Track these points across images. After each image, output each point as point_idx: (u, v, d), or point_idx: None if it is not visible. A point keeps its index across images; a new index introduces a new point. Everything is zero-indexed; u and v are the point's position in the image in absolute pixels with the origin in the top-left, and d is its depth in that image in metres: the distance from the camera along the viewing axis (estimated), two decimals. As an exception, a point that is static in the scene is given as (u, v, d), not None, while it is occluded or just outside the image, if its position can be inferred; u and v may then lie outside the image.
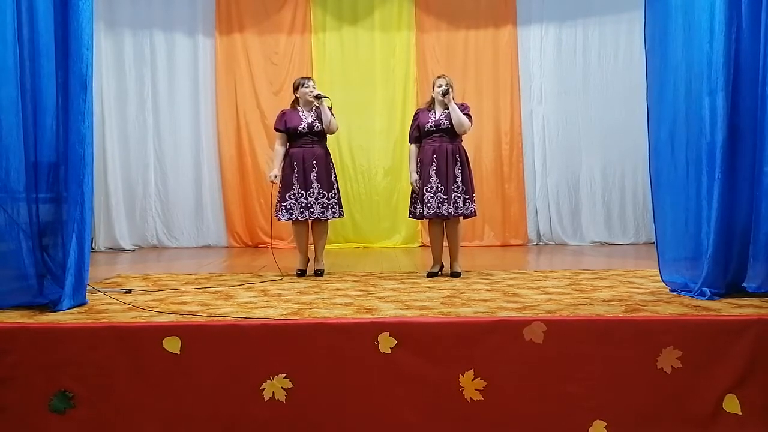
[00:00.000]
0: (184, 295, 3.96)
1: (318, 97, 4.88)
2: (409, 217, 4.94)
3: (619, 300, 3.52)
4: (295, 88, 5.11)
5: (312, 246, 5.11)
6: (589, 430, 2.82)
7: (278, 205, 4.92)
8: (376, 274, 4.94)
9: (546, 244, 7.92)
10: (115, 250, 7.82)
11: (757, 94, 3.36)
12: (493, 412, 2.82)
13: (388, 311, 3.29)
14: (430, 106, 4.89)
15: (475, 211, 4.83)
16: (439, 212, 4.69)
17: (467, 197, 4.75)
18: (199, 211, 8.15)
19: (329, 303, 3.59)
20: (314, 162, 4.86)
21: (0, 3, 3.36)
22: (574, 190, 7.96)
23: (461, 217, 4.81)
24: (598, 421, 2.82)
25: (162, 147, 8.13)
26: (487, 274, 4.85)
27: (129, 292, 4.06)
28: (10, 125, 3.37)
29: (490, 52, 8.01)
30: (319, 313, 3.27)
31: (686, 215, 3.68)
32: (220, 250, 7.81)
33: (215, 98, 8.10)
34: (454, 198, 4.69)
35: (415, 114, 4.96)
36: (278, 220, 5.00)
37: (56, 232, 3.56)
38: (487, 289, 4.04)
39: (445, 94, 4.72)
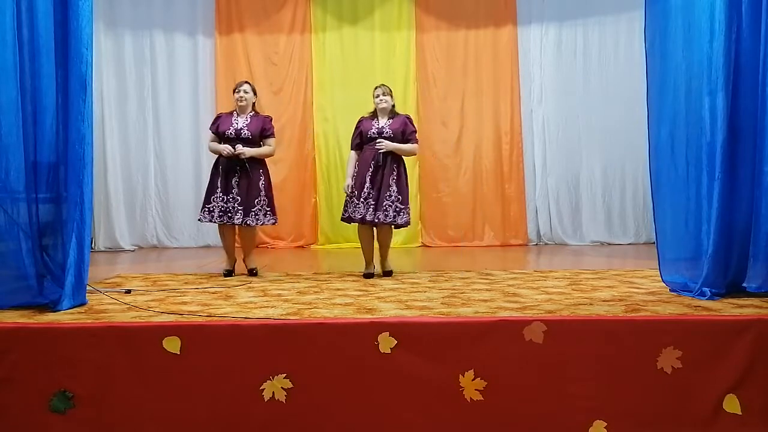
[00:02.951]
0: (183, 295, 3.96)
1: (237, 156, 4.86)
2: (341, 219, 4.95)
3: (620, 300, 3.52)
4: (233, 92, 5.15)
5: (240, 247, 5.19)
6: (589, 430, 2.81)
7: (202, 206, 5.00)
8: (376, 274, 4.94)
9: (546, 244, 7.92)
10: (115, 250, 7.82)
11: (757, 94, 3.36)
12: (493, 412, 2.82)
13: (388, 311, 3.29)
14: (373, 115, 4.95)
15: (408, 220, 4.84)
16: (367, 218, 4.71)
17: (402, 207, 4.75)
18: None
19: (329, 303, 3.59)
20: (238, 167, 4.88)
21: (0, 3, 3.36)
22: (574, 190, 7.96)
23: (392, 226, 4.84)
24: (598, 421, 2.81)
25: (162, 147, 8.14)
26: (487, 274, 4.85)
27: (129, 292, 4.06)
28: (9, 125, 3.37)
29: (490, 52, 8.02)
30: (319, 313, 3.27)
31: (686, 215, 3.68)
32: (220, 250, 7.75)
33: (215, 98, 8.09)
34: (385, 206, 4.70)
35: (358, 122, 4.98)
36: (199, 221, 5.12)
37: (56, 232, 3.56)
38: (487, 289, 4.04)
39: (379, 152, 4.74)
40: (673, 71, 3.70)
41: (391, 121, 4.87)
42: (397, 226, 4.84)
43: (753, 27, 3.37)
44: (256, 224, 4.99)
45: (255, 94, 5.13)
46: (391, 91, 4.98)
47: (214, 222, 4.99)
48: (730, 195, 3.42)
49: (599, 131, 7.84)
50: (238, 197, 4.87)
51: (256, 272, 4.98)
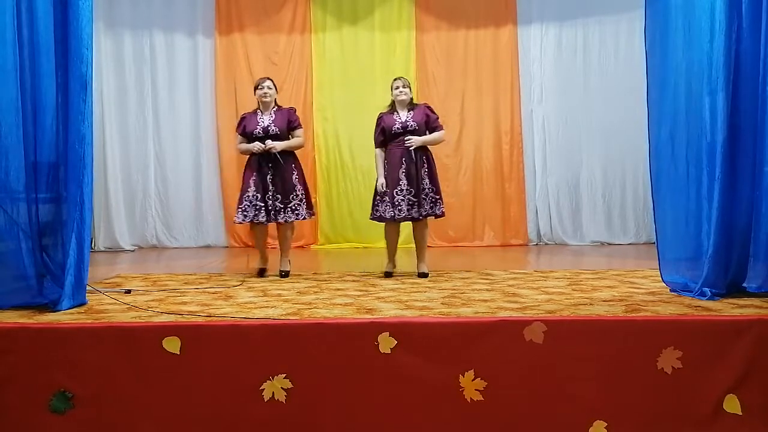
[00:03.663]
0: (183, 295, 3.96)
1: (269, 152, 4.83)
2: (371, 218, 4.92)
3: (620, 300, 3.52)
4: (254, 90, 5.12)
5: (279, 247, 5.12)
6: (590, 430, 2.81)
7: (237, 207, 4.93)
8: (376, 274, 4.94)
9: (546, 244, 7.91)
10: (115, 250, 7.82)
11: (757, 93, 3.36)
12: (493, 412, 2.82)
13: (388, 311, 3.29)
14: (392, 108, 4.90)
15: (443, 211, 4.84)
16: (410, 215, 4.70)
17: (437, 197, 4.77)
18: (199, 211, 8.15)
19: (329, 303, 3.59)
20: (270, 164, 4.85)
21: (0, 3, 3.35)
22: (574, 189, 7.96)
23: (432, 217, 4.84)
24: (598, 421, 2.81)
25: (162, 147, 8.14)
26: (487, 274, 4.85)
27: (129, 292, 4.06)
28: (9, 125, 3.37)
29: (490, 52, 8.01)
30: (319, 313, 3.27)
31: (686, 215, 3.68)
32: (220, 250, 7.81)
33: (215, 98, 8.10)
34: (421, 200, 4.70)
35: (379, 118, 4.93)
36: (234, 223, 5.06)
37: (56, 232, 3.56)
38: (487, 289, 4.04)
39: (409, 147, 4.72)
40: (673, 71, 3.70)
41: (412, 113, 4.81)
42: (437, 216, 4.83)
43: (753, 27, 3.37)
44: (295, 219, 4.92)
45: (276, 89, 5.09)
46: (409, 83, 4.94)
47: (250, 222, 4.90)
48: (731, 195, 3.42)
49: (599, 131, 7.84)
50: (275, 195, 4.83)
51: (288, 274, 4.90)
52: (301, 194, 4.92)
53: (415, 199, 4.69)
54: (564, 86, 7.95)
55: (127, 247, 7.93)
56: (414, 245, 5.00)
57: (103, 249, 7.84)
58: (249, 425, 2.84)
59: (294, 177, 4.91)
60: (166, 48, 8.11)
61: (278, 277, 4.82)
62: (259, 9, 8.11)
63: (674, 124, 3.71)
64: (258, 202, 4.83)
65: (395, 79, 4.96)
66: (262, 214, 4.83)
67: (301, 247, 7.93)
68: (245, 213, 4.85)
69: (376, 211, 4.81)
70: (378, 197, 4.81)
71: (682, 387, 2.81)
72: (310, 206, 5.00)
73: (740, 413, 2.79)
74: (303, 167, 5.14)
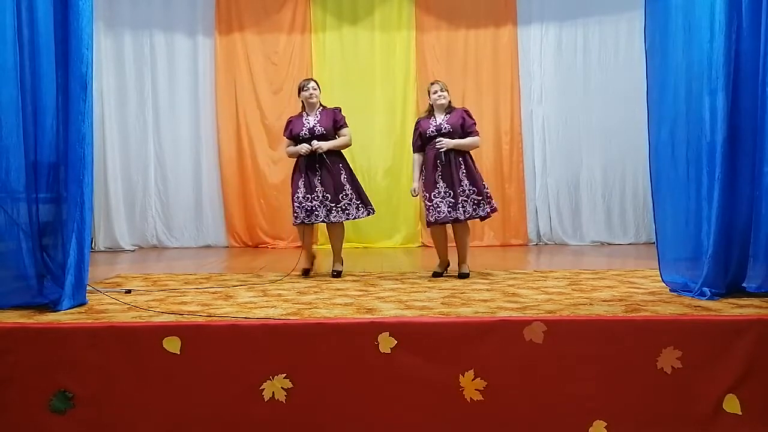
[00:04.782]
0: (184, 295, 3.96)
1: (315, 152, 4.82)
2: (428, 226, 4.91)
3: (619, 300, 3.52)
4: (298, 92, 5.10)
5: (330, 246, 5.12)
6: (589, 430, 2.81)
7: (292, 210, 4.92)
8: (376, 274, 4.94)
9: (546, 244, 7.92)
10: (115, 250, 7.82)
11: (757, 94, 3.36)
12: (493, 412, 2.82)
13: (388, 311, 3.29)
14: (430, 113, 4.89)
15: (489, 210, 4.74)
16: (450, 216, 4.66)
17: (479, 198, 4.70)
18: (199, 211, 8.16)
19: (329, 303, 3.59)
20: (318, 165, 4.85)
21: (0, 3, 3.36)
22: (574, 190, 7.97)
23: (477, 219, 4.80)
24: (598, 421, 2.81)
25: (162, 147, 8.14)
26: (487, 274, 4.85)
27: (129, 292, 4.06)
28: (10, 125, 3.37)
29: (490, 52, 8.02)
30: (319, 313, 3.27)
31: (686, 215, 3.68)
32: (220, 250, 7.81)
33: (215, 98, 8.11)
34: (461, 202, 4.66)
35: (417, 123, 4.94)
36: (294, 225, 5.04)
37: (56, 232, 3.56)
38: (487, 289, 4.04)
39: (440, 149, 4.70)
40: (673, 71, 3.70)
41: (448, 116, 4.80)
42: (482, 218, 4.80)
43: (753, 27, 3.37)
44: (347, 219, 4.91)
45: (320, 89, 5.07)
46: (447, 87, 4.92)
47: (301, 223, 4.88)
48: (731, 195, 3.42)
49: (599, 131, 7.84)
50: (324, 195, 4.82)
51: (340, 274, 4.88)
52: (351, 194, 4.89)
53: (453, 200, 4.65)
54: (564, 86, 7.95)
55: (128, 247, 7.94)
56: (447, 245, 4.93)
57: (103, 249, 7.85)
58: (249, 425, 2.84)
59: (343, 176, 4.89)
60: (166, 48, 8.12)
61: (330, 277, 4.82)
62: (259, 9, 8.12)
63: (674, 124, 3.71)
64: (307, 203, 4.83)
65: (432, 83, 4.94)
66: (314, 215, 4.83)
67: (301, 246, 7.92)
68: (296, 215, 4.87)
69: (429, 216, 4.75)
70: (425, 203, 4.80)
71: (682, 387, 2.81)
72: (366, 204, 4.95)
73: (740, 413, 2.79)
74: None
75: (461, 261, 4.80)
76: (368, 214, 4.99)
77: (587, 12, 7.89)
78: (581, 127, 7.92)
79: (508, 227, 7.96)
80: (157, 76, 8.11)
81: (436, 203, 4.68)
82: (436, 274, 4.77)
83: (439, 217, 4.67)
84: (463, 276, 4.69)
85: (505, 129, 8.00)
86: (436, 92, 4.83)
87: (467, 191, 4.69)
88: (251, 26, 8.11)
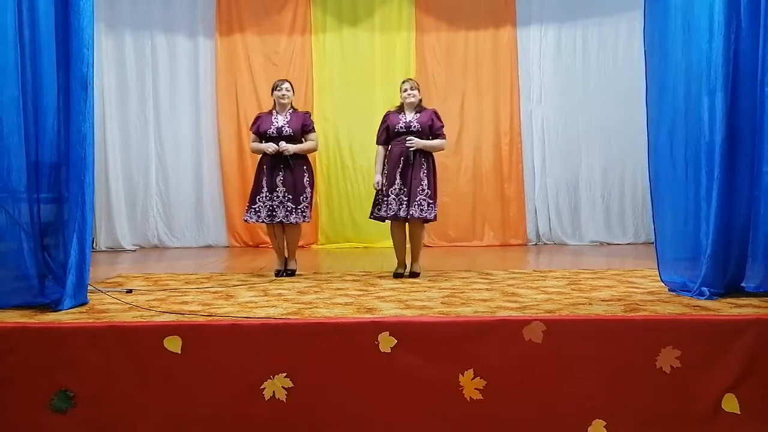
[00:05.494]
0: (185, 295, 3.97)
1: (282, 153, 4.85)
2: (370, 218, 4.92)
3: (619, 300, 3.53)
4: (271, 91, 5.14)
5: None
6: (589, 429, 2.82)
7: (247, 207, 4.97)
8: (376, 274, 4.95)
9: (545, 244, 7.92)
10: (116, 250, 7.83)
11: (756, 94, 3.37)
12: (493, 411, 2.83)
13: (388, 311, 3.30)
14: (400, 109, 4.90)
15: (435, 216, 4.80)
16: (399, 214, 4.68)
17: (431, 201, 4.73)
18: (200, 211, 8.16)
19: (329, 303, 3.60)
20: (282, 165, 4.88)
21: (1, 3, 3.36)
22: (573, 190, 7.97)
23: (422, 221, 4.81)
24: (597, 420, 2.82)
25: (163, 147, 8.15)
26: (487, 274, 4.86)
27: (130, 291, 4.07)
28: (11, 125, 3.38)
29: (489, 53, 8.03)
30: (320, 312, 3.28)
31: (685, 215, 3.69)
32: (221, 250, 7.82)
33: (216, 98, 8.11)
34: (419, 200, 4.68)
35: (385, 116, 4.95)
36: (245, 221, 5.07)
37: (57, 232, 3.57)
38: (487, 289, 4.05)
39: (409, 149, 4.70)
40: (672, 71, 3.71)
41: (418, 115, 4.82)
42: (427, 221, 4.81)
43: (752, 27, 3.39)
44: (304, 221, 4.96)
45: (293, 92, 5.12)
46: (418, 85, 4.95)
47: (261, 222, 4.97)
48: (729, 195, 3.43)
49: (599, 131, 7.85)
50: (285, 195, 4.86)
51: (294, 273, 4.96)
52: (309, 197, 4.96)
53: (406, 199, 4.68)
54: (563, 87, 7.96)
55: (129, 247, 7.94)
56: (405, 246, 4.96)
57: (104, 249, 7.85)
58: (250, 424, 2.85)
59: (305, 179, 4.94)
60: (167, 48, 8.12)
61: (282, 277, 4.86)
62: (259, 10, 8.12)
63: (673, 125, 3.72)
64: (269, 203, 4.87)
65: (404, 81, 4.96)
66: (274, 215, 4.86)
67: (302, 246, 7.92)
68: (258, 213, 4.90)
69: (378, 210, 4.81)
70: (378, 196, 4.82)
71: (681, 386, 2.82)
72: (310, 210, 5.02)
73: (739, 412, 2.80)
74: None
75: (413, 260, 4.84)
76: (306, 220, 5.03)
77: (587, 13, 7.90)
78: (580, 127, 7.93)
79: (507, 227, 7.96)
80: (158, 77, 8.11)
81: (389, 200, 4.71)
82: (397, 275, 4.77)
83: (389, 213, 4.71)
84: (413, 275, 4.73)
85: (505, 129, 8.01)
86: (406, 90, 4.85)
87: (425, 191, 4.70)
88: (252, 27, 8.11)
